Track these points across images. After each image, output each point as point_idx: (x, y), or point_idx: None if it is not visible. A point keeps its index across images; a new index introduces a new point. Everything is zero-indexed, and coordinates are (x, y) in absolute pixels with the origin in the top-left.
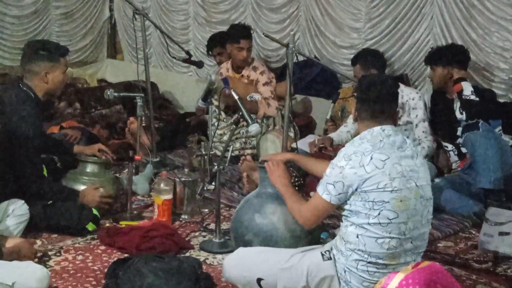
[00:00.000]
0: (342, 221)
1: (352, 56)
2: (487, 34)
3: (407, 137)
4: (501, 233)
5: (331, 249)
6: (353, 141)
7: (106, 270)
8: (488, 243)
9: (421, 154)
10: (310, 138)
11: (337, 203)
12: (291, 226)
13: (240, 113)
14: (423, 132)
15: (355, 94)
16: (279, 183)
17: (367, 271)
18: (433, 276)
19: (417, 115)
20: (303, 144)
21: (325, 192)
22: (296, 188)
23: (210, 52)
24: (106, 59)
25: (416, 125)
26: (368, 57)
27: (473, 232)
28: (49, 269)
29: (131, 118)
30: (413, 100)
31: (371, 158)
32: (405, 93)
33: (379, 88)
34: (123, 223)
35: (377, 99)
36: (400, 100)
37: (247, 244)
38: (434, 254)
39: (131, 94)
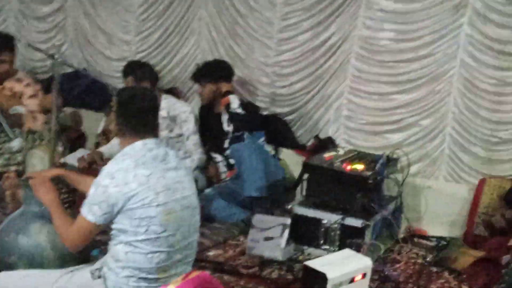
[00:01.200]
0: (112, 239)
1: (120, 67)
2: (251, 50)
3: (179, 149)
4: (266, 238)
5: (102, 267)
6: (115, 158)
7: None
8: (255, 248)
9: (185, 164)
10: (80, 152)
11: (103, 223)
12: (59, 245)
13: (2, 128)
14: (193, 144)
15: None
16: (46, 201)
17: (138, 286)
18: (202, 286)
19: (188, 128)
20: (73, 159)
21: (90, 213)
22: (66, 205)
23: None
24: None
25: (187, 137)
26: (140, 70)
27: (241, 239)
28: None
29: None
30: (184, 114)
31: (135, 175)
32: (176, 106)
33: (138, 101)
34: None
35: (138, 113)
36: (171, 113)
37: (11, 267)
38: (204, 263)
39: None
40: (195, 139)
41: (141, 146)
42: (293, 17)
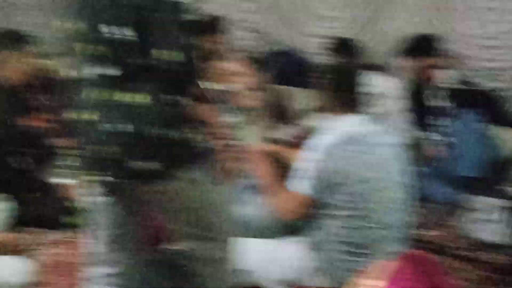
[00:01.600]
0: (323, 213)
1: (325, 45)
2: (468, 23)
3: (386, 126)
4: (483, 220)
5: (314, 240)
6: (324, 134)
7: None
8: (471, 231)
9: (397, 142)
10: (288, 128)
11: (315, 197)
12: (271, 216)
13: (218, 104)
14: (403, 121)
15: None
16: (260, 174)
17: (349, 260)
18: (419, 264)
19: (395, 105)
20: (282, 134)
21: (301, 186)
22: (278, 180)
23: None
24: None
25: (396, 114)
26: (346, 46)
27: (456, 220)
28: (33, 263)
29: None
30: (391, 90)
31: (342, 150)
32: (383, 83)
33: (346, 77)
34: None
35: (345, 89)
36: (378, 90)
37: None
38: (418, 243)
39: None
40: (403, 116)
41: (350, 122)
42: None
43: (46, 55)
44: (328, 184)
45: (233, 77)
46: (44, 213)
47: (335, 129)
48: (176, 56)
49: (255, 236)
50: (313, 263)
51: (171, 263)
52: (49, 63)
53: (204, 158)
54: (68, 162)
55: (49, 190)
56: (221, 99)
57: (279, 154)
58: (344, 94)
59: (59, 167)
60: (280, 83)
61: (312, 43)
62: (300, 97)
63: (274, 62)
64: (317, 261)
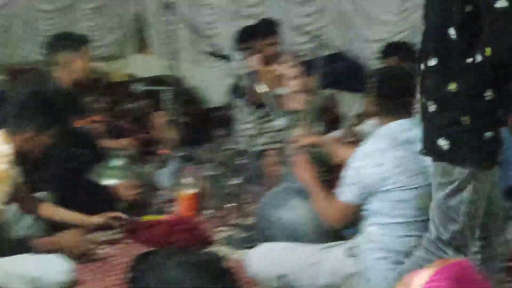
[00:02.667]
0: (365, 219)
1: (379, 49)
2: None
3: None
4: None
5: (355, 246)
6: (370, 138)
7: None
8: None
9: None
10: (337, 133)
11: (360, 203)
12: (315, 222)
13: (267, 108)
14: None
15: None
16: (303, 179)
17: (390, 269)
18: (462, 272)
19: None
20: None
21: (346, 194)
22: (322, 183)
23: (238, 46)
24: (135, 54)
25: None
26: (404, 50)
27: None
28: (77, 262)
29: (157, 112)
30: None
31: (389, 156)
32: None
33: (398, 81)
34: (146, 218)
35: (396, 93)
36: None
37: (271, 239)
38: None
39: (158, 87)
40: None
41: (396, 127)
42: None
43: (101, 58)
44: (372, 191)
45: (285, 79)
46: (90, 212)
47: (382, 134)
48: None
49: (297, 241)
50: (353, 269)
51: None
52: (102, 65)
53: None
54: (116, 163)
55: (96, 190)
56: (271, 102)
57: (324, 147)
58: (394, 99)
59: (108, 167)
60: (330, 87)
61: (368, 47)
62: (350, 101)
63: (325, 65)
64: (358, 267)
